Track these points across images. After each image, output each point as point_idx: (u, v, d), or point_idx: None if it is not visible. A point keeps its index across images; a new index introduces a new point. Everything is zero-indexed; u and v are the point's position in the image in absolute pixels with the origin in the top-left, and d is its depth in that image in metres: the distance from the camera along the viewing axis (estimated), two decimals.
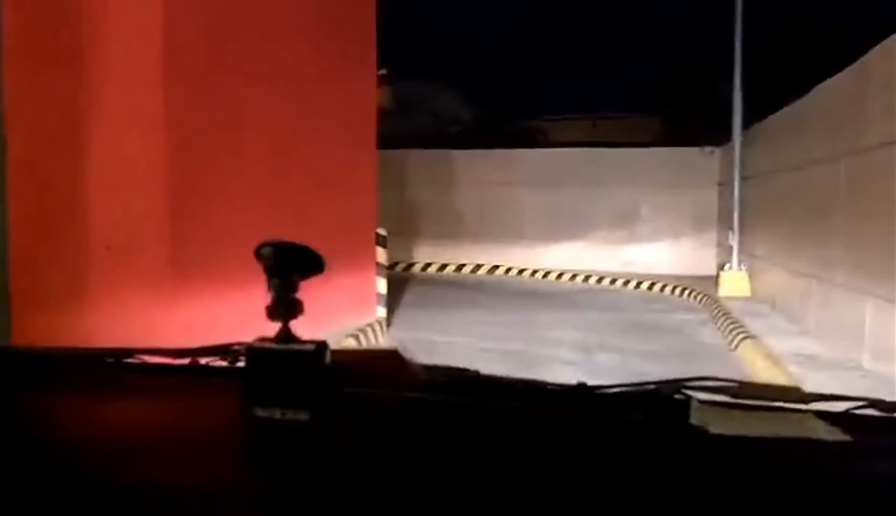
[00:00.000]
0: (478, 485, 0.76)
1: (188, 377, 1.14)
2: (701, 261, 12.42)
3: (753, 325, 7.48)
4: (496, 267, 13.74)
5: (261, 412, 0.80)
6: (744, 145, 9.91)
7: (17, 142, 3.74)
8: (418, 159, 14.60)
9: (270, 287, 0.83)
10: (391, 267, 14.37)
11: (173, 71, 4.58)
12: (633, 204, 13.32)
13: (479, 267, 13.88)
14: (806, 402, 0.97)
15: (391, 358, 0.96)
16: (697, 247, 12.77)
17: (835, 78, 6.62)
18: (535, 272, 13.31)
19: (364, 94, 7.25)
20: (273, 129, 5.79)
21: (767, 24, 10.95)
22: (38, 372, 1.11)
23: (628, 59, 21.60)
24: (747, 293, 9.57)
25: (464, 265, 13.99)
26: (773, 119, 9.03)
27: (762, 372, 5.72)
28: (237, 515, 0.69)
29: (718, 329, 7.79)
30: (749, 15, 9.87)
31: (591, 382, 1.01)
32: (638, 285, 11.74)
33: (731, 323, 7.54)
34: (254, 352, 0.82)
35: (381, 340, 6.85)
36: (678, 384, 0.98)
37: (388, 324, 7.42)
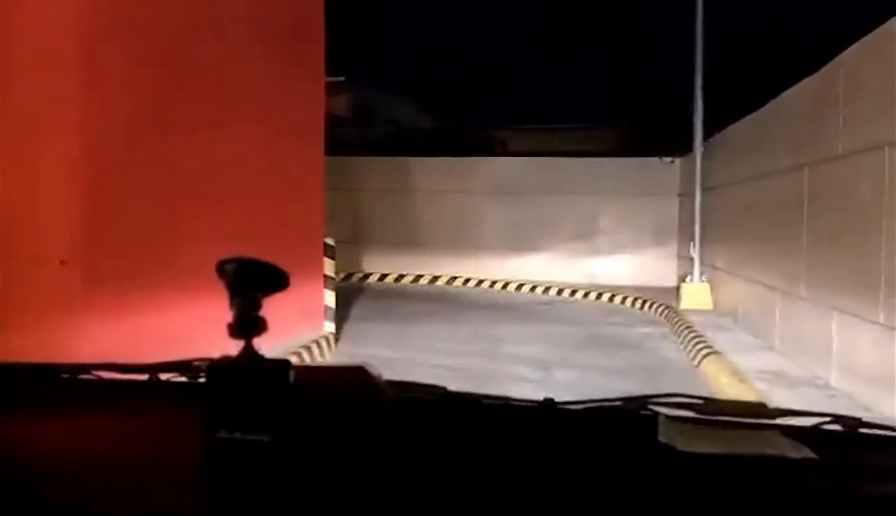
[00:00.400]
0: (445, 503, 0.76)
1: (147, 394, 1.10)
2: (662, 273, 12.29)
3: (717, 340, 7.27)
4: (454, 278, 13.43)
5: (221, 432, 0.77)
6: (705, 155, 9.77)
7: None
8: (376, 167, 14.27)
9: (233, 304, 0.81)
10: (347, 277, 14.08)
11: (90, 71, 4.18)
12: (594, 214, 13.16)
13: (436, 278, 13.55)
14: (771, 418, 0.97)
15: (357, 374, 0.91)
16: (658, 258, 12.64)
17: (797, 86, 6.45)
18: (494, 283, 13.02)
19: (311, 99, 6.89)
20: (208, 135, 5.46)
21: (728, 34, 10.87)
22: None
23: (588, 70, 21.54)
24: (709, 306, 9.40)
25: (421, 276, 13.64)
26: (734, 129, 8.88)
27: (727, 388, 5.47)
28: None
29: (681, 343, 7.56)
30: (709, 26, 9.76)
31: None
32: (598, 297, 11.53)
33: (694, 337, 7.31)
34: (215, 370, 0.81)
35: (328, 357, 6.45)
36: (645, 400, 0.98)
37: (337, 340, 7.02)
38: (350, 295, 10.58)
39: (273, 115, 6.30)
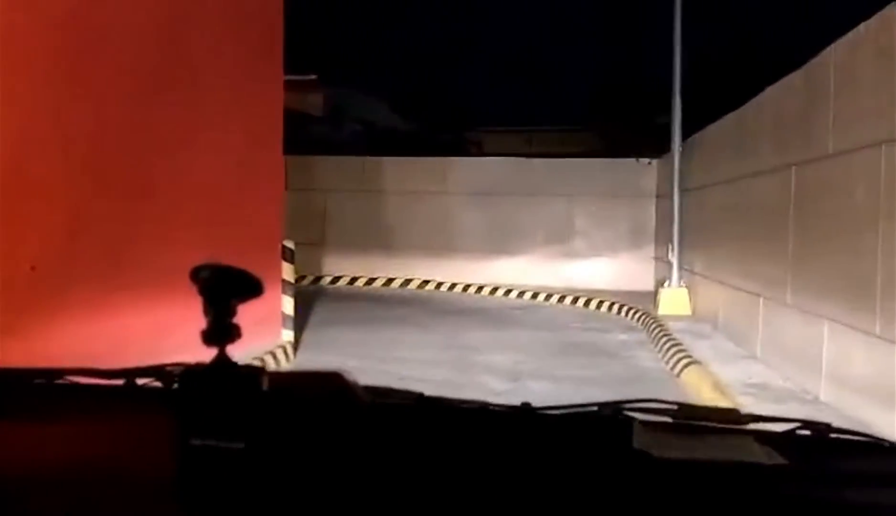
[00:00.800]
0: (421, 509, 0.78)
1: (121, 400, 1.10)
2: (639, 276, 12.02)
3: (696, 347, 6.95)
4: (427, 281, 13.02)
5: (194, 440, 0.76)
6: (683, 156, 9.46)
7: None
8: (347, 167, 13.84)
9: (207, 311, 0.81)
10: (316, 280, 13.62)
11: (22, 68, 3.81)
12: (569, 216, 12.85)
13: (408, 281, 13.13)
14: (744, 424, 0.99)
15: (333, 380, 0.88)
16: (635, 262, 12.37)
17: (782, 82, 6.15)
18: (467, 287, 12.64)
19: (269, 96, 6.48)
20: (157, 133, 5.16)
21: (707, 31, 10.64)
22: None
23: (565, 71, 21.30)
24: (687, 311, 9.10)
25: (393, 279, 13.21)
26: (713, 128, 8.59)
27: (709, 402, 5.13)
28: None
29: (659, 352, 7.22)
30: (688, 24, 9.46)
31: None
32: (574, 301, 11.19)
33: (674, 345, 6.98)
34: (189, 377, 0.82)
35: (285, 367, 6.01)
36: (620, 405, 0.99)
37: (296, 349, 6.58)
38: (316, 299, 10.15)
39: (228, 111, 5.90)
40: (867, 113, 4.35)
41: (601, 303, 10.77)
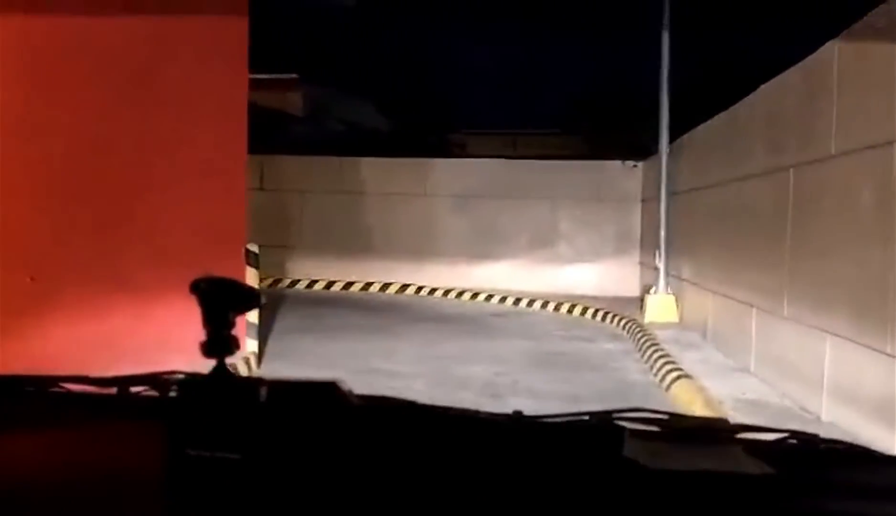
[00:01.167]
0: None
1: (116, 409, 1.08)
2: (624, 282, 11.72)
3: (685, 358, 6.60)
4: (406, 286, 12.60)
5: (191, 451, 0.77)
6: (670, 158, 9.12)
7: None
8: (327, 167, 13.41)
9: (205, 323, 0.82)
10: (292, 284, 13.16)
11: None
12: (553, 220, 12.51)
13: (387, 285, 12.70)
14: (733, 433, 0.99)
15: (328, 390, 0.87)
16: (620, 267, 12.07)
17: (778, 79, 5.80)
18: (447, 292, 12.23)
19: (232, 94, 6.07)
20: (104, 129, 4.87)
21: (696, 31, 10.33)
22: None
23: (550, 76, 20.95)
24: (675, 318, 8.75)
25: (371, 283, 12.78)
26: (703, 129, 8.25)
27: None
28: None
29: (647, 363, 6.86)
30: (676, 22, 9.12)
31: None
32: (557, 308, 10.82)
33: (662, 356, 6.62)
34: (186, 387, 0.83)
35: None
36: (610, 414, 1.00)
37: (260, 359, 6.15)
38: (289, 305, 9.72)
39: (186, 105, 5.50)
40: (875, 109, 3.99)
41: (585, 309, 10.41)
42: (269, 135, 14.84)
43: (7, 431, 0.96)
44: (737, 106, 6.92)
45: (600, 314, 10.00)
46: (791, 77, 5.53)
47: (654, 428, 0.98)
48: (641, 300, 9.52)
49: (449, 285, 12.32)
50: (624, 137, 13.60)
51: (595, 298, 11.03)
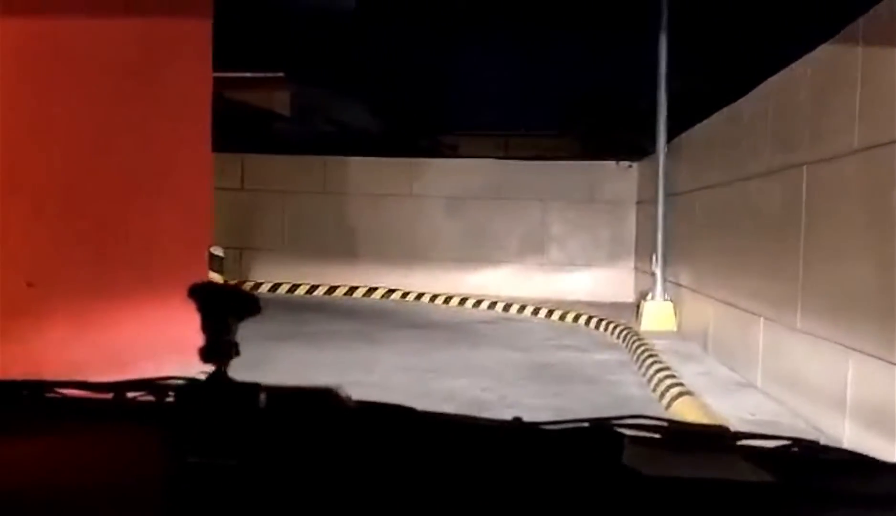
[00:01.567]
0: None
1: (113, 415, 1.07)
2: (618, 287, 11.28)
3: (685, 371, 6.14)
4: (392, 290, 12.11)
5: (190, 456, 0.77)
6: (668, 158, 8.66)
7: None
8: (308, 166, 12.93)
9: (204, 329, 0.82)
10: (274, 288, 12.64)
11: None
12: (544, 223, 12.06)
13: (372, 290, 12.21)
14: (733, 441, 0.98)
15: (326, 397, 0.89)
16: (614, 272, 11.64)
17: (789, 70, 5.35)
18: (434, 297, 11.74)
19: (194, 89, 5.67)
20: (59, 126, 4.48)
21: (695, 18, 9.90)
22: None
23: (544, 76, 20.51)
24: (673, 327, 8.30)
25: (356, 288, 12.28)
26: (704, 126, 7.80)
27: None
28: None
29: (645, 376, 6.39)
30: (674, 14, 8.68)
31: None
32: (549, 314, 10.34)
33: (661, 369, 6.15)
34: (185, 393, 0.85)
35: None
36: (610, 421, 0.99)
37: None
38: (268, 310, 9.08)
39: (147, 107, 5.10)
40: None
41: (578, 316, 9.94)
42: (254, 133, 14.38)
43: (3, 437, 0.95)
44: (740, 101, 6.47)
45: (594, 321, 9.54)
46: (804, 67, 5.08)
47: (654, 436, 0.97)
48: (637, 307, 9.06)
49: (436, 290, 11.84)
50: (619, 137, 13.17)
51: (588, 304, 10.58)
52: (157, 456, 0.80)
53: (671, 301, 8.46)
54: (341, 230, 12.65)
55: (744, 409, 4.95)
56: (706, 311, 7.20)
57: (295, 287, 12.42)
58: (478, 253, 12.17)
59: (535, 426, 0.99)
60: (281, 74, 18.51)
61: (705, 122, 7.68)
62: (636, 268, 11.23)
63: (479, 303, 11.25)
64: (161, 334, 4.73)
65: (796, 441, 0.99)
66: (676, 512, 0.81)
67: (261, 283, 12.07)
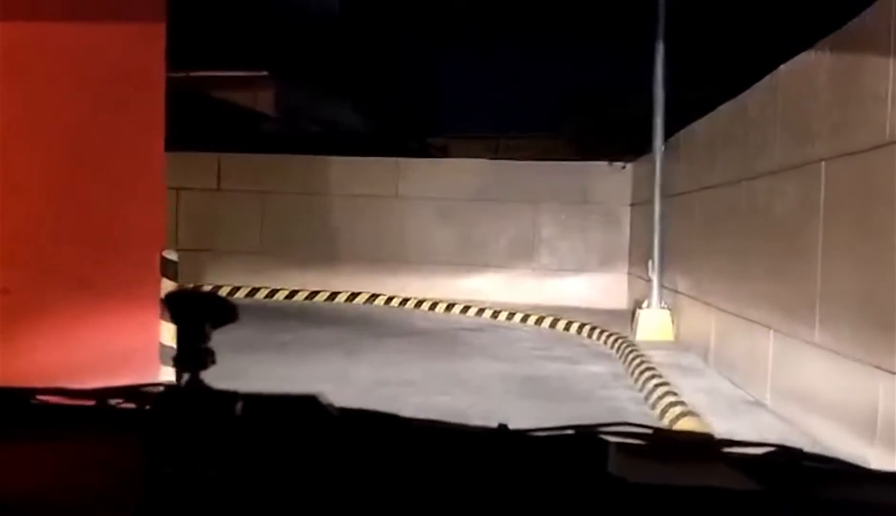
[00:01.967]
0: None
1: (93, 422, 1.06)
2: (611, 294, 10.81)
3: (686, 387, 5.65)
4: (375, 296, 11.58)
5: (167, 465, 0.77)
6: (665, 157, 8.18)
7: None
8: (289, 165, 12.38)
9: (179, 336, 0.82)
10: (252, 293, 12.08)
11: None
12: (534, 226, 11.58)
13: (355, 295, 11.68)
14: (719, 448, 0.99)
15: (308, 404, 0.88)
16: (607, 277, 11.16)
17: (800, 58, 4.87)
18: (419, 303, 11.22)
19: (144, 85, 5.16)
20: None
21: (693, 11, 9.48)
22: None
23: (536, 77, 20.07)
24: (670, 337, 7.81)
25: (337, 293, 11.73)
26: (704, 123, 7.32)
27: None
28: None
29: (642, 391, 5.89)
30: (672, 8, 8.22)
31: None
32: (539, 321, 9.83)
33: (659, 385, 5.65)
34: (162, 401, 0.83)
35: None
36: (596, 428, 0.99)
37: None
38: (243, 317, 8.55)
39: (87, 89, 4.58)
40: None
41: (569, 324, 9.44)
42: (232, 132, 13.84)
43: None
44: (745, 94, 6.00)
45: (586, 329, 9.04)
46: (818, 56, 4.59)
47: (640, 443, 0.96)
48: (632, 314, 8.57)
49: (421, 296, 11.32)
50: (611, 137, 12.71)
51: (579, 311, 10.08)
52: (133, 463, 0.80)
53: (668, 309, 7.97)
54: (322, 232, 12.12)
55: (753, 430, 4.46)
56: (707, 321, 6.71)
57: (274, 292, 11.87)
58: (466, 257, 11.67)
59: (520, 433, 1.00)
60: (265, 73, 18.04)
61: (706, 117, 7.21)
62: (630, 274, 10.75)
63: (466, 309, 10.74)
64: (93, 352, 4.25)
65: (782, 448, 0.98)
66: None
67: (236, 289, 11.51)
